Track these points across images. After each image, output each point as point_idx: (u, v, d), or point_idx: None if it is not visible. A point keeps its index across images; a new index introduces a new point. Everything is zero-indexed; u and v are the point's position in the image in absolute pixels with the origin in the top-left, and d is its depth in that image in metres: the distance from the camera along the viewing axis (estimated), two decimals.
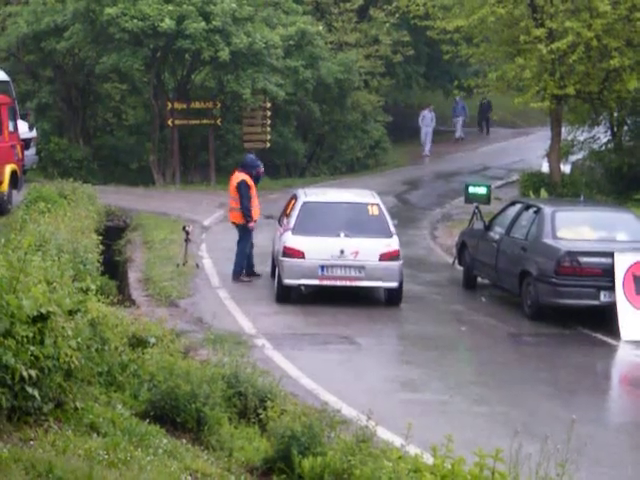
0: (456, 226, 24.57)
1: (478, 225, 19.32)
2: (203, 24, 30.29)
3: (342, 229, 17.03)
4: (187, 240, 19.46)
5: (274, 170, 36.02)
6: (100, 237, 20.30)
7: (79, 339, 7.92)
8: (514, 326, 16.44)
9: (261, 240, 20.57)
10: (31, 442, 7.09)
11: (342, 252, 16.81)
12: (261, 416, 9.72)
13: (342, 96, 37.19)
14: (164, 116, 33.16)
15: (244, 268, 18.63)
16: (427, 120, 42.22)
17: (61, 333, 7.60)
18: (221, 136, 35.42)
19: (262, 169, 19.46)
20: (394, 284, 17.05)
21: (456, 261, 20.20)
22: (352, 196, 18.61)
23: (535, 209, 17.59)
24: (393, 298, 17.29)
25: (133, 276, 19.43)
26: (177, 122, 32.91)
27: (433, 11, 26.94)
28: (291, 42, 34.39)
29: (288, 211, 18.22)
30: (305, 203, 17.64)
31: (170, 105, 32.82)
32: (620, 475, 9.89)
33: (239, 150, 33.40)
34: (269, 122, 34.37)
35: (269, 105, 34.01)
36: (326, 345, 14.69)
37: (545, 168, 28.66)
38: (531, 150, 36.37)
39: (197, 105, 33.32)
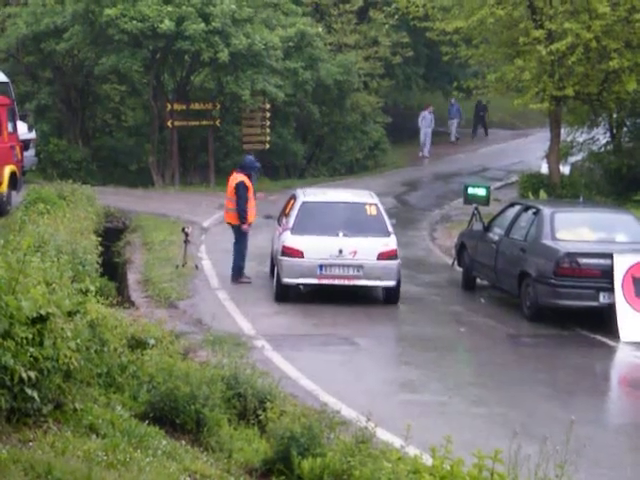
0: (455, 227, 24.59)
1: (477, 226, 19.32)
2: (202, 25, 30.30)
3: (341, 229, 17.18)
4: (186, 241, 19.47)
5: (273, 171, 36.04)
6: (99, 238, 20.31)
7: (78, 340, 7.92)
8: (513, 327, 16.44)
9: (260, 241, 20.59)
10: (30, 443, 7.09)
11: (340, 251, 16.97)
12: (260, 417, 9.72)
13: (341, 97, 37.20)
14: (163, 117, 33.17)
15: (243, 269, 18.66)
16: (427, 121, 42.19)
17: (60, 334, 7.60)
18: (220, 137, 35.43)
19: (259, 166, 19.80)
20: (392, 283, 17.22)
21: (455, 262, 20.21)
22: (350, 196, 18.79)
23: (534, 210, 17.60)
24: (391, 297, 17.43)
25: (132, 277, 19.44)
26: (176, 123, 32.91)
27: (432, 12, 26.94)
28: (290, 43, 34.41)
29: (287, 211, 18.35)
30: (304, 203, 17.78)
31: (169, 106, 32.83)
32: (619, 476, 9.89)
33: (238, 151, 33.41)
34: (268, 123, 34.40)
35: (268, 106, 34.03)
36: (325, 346, 14.70)
37: (544, 169, 28.66)
38: (530, 151, 36.37)
39: (196, 106, 33.33)
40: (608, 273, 15.79)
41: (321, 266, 17.00)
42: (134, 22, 30.09)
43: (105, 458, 7.18)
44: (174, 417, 9.01)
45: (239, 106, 33.93)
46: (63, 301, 8.08)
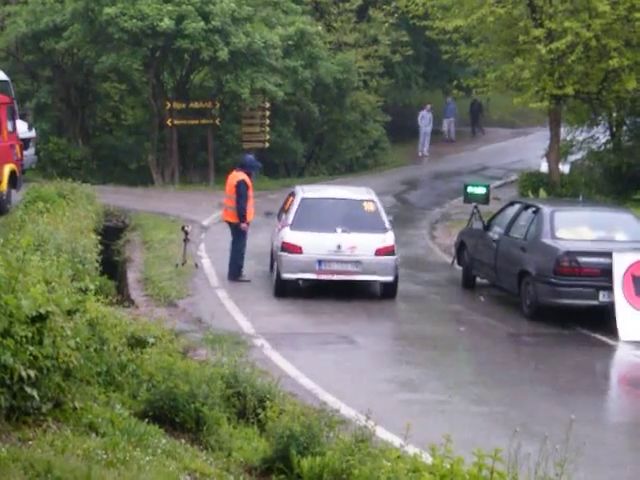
0: (455, 226, 24.58)
1: (477, 225, 19.33)
2: (202, 24, 30.30)
3: (339, 225, 17.45)
4: (186, 240, 19.47)
5: (273, 170, 36.04)
6: (99, 237, 20.33)
7: (78, 339, 7.91)
8: (513, 326, 16.44)
9: (260, 240, 20.60)
10: (30, 442, 7.09)
11: (339, 247, 17.22)
12: (260, 416, 9.72)
13: (341, 96, 37.19)
14: (163, 116, 33.16)
15: (242, 267, 18.67)
16: (426, 120, 42.27)
17: (60, 333, 7.60)
18: (220, 136, 35.41)
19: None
20: (389, 278, 17.46)
21: (455, 261, 20.21)
22: (349, 193, 19.11)
23: (534, 209, 17.59)
24: (388, 292, 17.69)
25: (132, 276, 19.44)
26: (176, 122, 32.90)
27: (432, 11, 26.95)
28: (290, 42, 34.39)
29: (287, 207, 18.55)
30: (303, 199, 18.03)
31: (169, 105, 32.82)
32: (619, 475, 9.89)
33: (238, 150, 33.39)
34: (268, 122, 34.39)
35: (268, 105, 34.02)
36: (325, 345, 14.69)
37: (544, 168, 28.67)
38: (530, 150, 36.37)
39: (196, 105, 33.32)
40: (608, 272, 15.78)
41: (320, 261, 17.23)
42: (134, 21, 30.09)
43: (105, 457, 7.17)
44: (174, 416, 9.01)
45: (239, 105, 33.92)
46: (63, 300, 8.08)
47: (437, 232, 26.00)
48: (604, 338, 15.56)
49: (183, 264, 19.15)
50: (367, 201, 18.08)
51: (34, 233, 16.27)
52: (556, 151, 27.02)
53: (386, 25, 38.82)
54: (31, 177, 28.62)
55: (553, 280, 15.93)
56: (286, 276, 17.32)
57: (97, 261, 17.41)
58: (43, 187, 23.17)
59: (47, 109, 34.68)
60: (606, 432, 11.43)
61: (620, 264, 15.80)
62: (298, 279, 17.57)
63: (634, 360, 15.00)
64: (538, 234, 16.81)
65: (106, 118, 38.13)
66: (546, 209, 17.26)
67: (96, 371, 8.86)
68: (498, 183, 33.25)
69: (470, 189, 22.13)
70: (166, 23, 29.98)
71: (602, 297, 15.86)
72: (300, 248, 17.27)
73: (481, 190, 22.01)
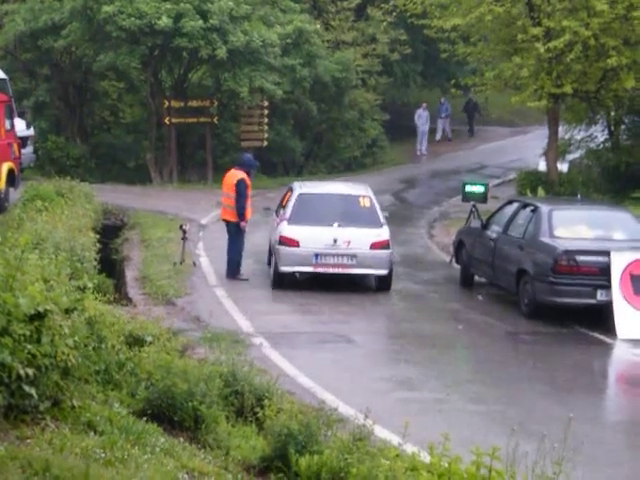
0: (453, 224, 24.59)
1: (475, 223, 19.33)
2: (200, 22, 30.29)
3: (335, 219, 17.96)
4: (184, 238, 19.47)
5: (271, 168, 36.02)
6: (97, 235, 20.31)
7: (76, 337, 7.91)
8: (511, 324, 16.45)
9: (258, 238, 20.61)
10: (28, 440, 7.08)
11: (335, 241, 17.71)
12: (258, 415, 9.71)
13: (339, 94, 37.18)
14: (161, 114, 33.13)
15: (240, 265, 18.68)
16: (423, 119, 42.33)
17: (58, 331, 7.59)
18: (218, 134, 35.40)
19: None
20: (384, 272, 17.95)
21: (453, 259, 20.23)
22: (345, 188, 19.77)
23: (532, 208, 17.60)
24: (383, 285, 18.14)
25: (130, 274, 19.44)
26: (174, 120, 32.87)
27: (430, 10, 26.97)
28: (288, 40, 34.38)
29: (284, 202, 18.99)
30: (300, 195, 18.54)
31: (167, 103, 32.79)
32: (617, 473, 9.90)
33: (236, 148, 33.38)
34: (266, 120, 34.38)
35: (266, 103, 34.01)
36: (323, 343, 14.70)
37: (542, 167, 28.69)
38: (528, 149, 36.40)
39: (194, 103, 33.30)
40: (606, 271, 15.79)
41: (316, 255, 17.72)
42: (132, 19, 30.08)
43: (103, 455, 7.17)
44: (172, 414, 9.00)
45: (237, 103, 33.89)
46: (61, 298, 8.07)
47: (435, 231, 26.01)
48: (602, 337, 15.57)
49: (181, 263, 19.15)
50: (363, 197, 18.54)
51: (32, 231, 16.26)
52: (554, 150, 27.04)
53: (384, 24, 38.81)
54: (29, 175, 28.61)
55: (551, 279, 15.94)
56: (284, 269, 17.77)
57: (95, 259, 17.41)
58: (41, 185, 23.15)
59: (45, 107, 34.64)
60: (604, 431, 11.43)
61: (618, 263, 15.81)
62: (295, 272, 17.98)
63: (632, 359, 15.01)
64: (536, 233, 16.81)
65: (104, 116, 38.11)
66: (544, 208, 17.27)
67: (94, 369, 8.85)
68: (496, 182, 33.26)
69: (468, 188, 22.15)
70: (164, 21, 29.97)
71: (600, 296, 15.87)
72: (297, 242, 17.74)
73: (479, 189, 22.02)
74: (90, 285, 9.49)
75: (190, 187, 32.22)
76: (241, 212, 18.53)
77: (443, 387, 12.71)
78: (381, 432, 9.84)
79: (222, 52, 30.42)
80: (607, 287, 15.75)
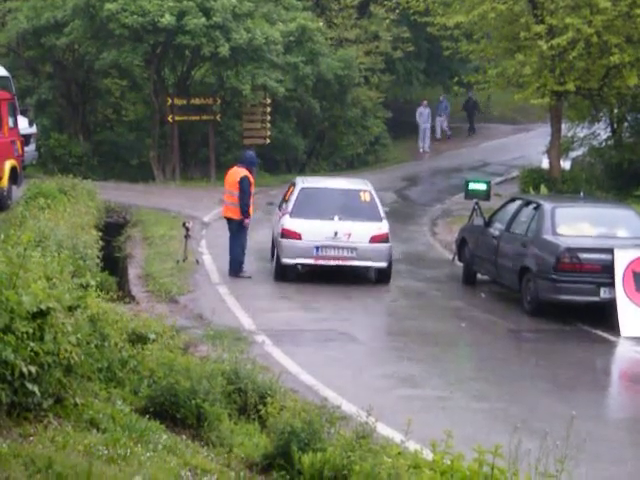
0: (456, 222, 24.58)
1: (478, 221, 19.32)
2: (203, 20, 30.28)
3: (336, 213, 18.40)
4: (187, 236, 19.47)
5: (274, 166, 36.03)
6: (100, 233, 20.30)
7: (79, 335, 7.91)
8: (514, 322, 16.44)
9: (260, 236, 20.64)
10: (31, 438, 7.09)
11: (336, 234, 18.13)
12: (261, 412, 9.72)
13: (342, 92, 37.17)
14: (164, 112, 33.14)
15: (243, 263, 18.71)
16: (424, 116, 42.30)
17: (61, 329, 7.60)
18: (221, 132, 35.39)
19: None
20: (383, 264, 18.36)
21: (456, 257, 20.21)
22: (346, 183, 20.20)
23: (535, 205, 17.59)
24: (382, 277, 18.59)
25: (133, 272, 19.44)
26: (177, 118, 32.88)
27: (433, 7, 26.96)
28: (291, 38, 34.37)
29: (287, 197, 19.42)
30: (303, 189, 18.98)
31: (170, 101, 32.80)
32: (620, 471, 9.90)
33: (239, 146, 33.38)
34: (269, 118, 34.39)
35: (269, 101, 34.01)
36: (326, 341, 14.69)
37: (545, 164, 28.66)
38: (531, 146, 36.34)
39: (197, 101, 33.32)
40: (609, 268, 15.78)
41: (317, 247, 18.14)
42: (135, 16, 30.08)
43: (106, 452, 7.18)
44: (174, 412, 9.01)
45: (240, 101, 33.89)
46: (64, 296, 8.08)
47: (438, 228, 26.00)
48: (605, 334, 15.56)
49: (184, 260, 19.15)
50: (363, 191, 18.96)
51: (35, 229, 16.26)
52: (557, 147, 27.01)
53: (387, 21, 38.81)
54: (32, 173, 28.62)
55: (554, 276, 15.93)
56: (286, 261, 18.16)
57: (98, 257, 17.41)
58: (44, 183, 23.16)
59: (48, 105, 34.65)
60: (607, 428, 11.42)
61: (621, 260, 15.80)
62: (297, 264, 18.30)
63: (635, 356, 15.00)
64: (539, 230, 16.80)
65: (107, 114, 38.13)
66: (547, 205, 17.25)
67: (97, 367, 8.86)
68: (499, 179, 33.24)
69: (471, 185, 22.11)
70: (167, 19, 29.97)
71: (603, 293, 15.86)
72: (299, 235, 18.17)
73: (482, 186, 21.99)
74: (93, 283, 9.50)
75: (193, 185, 32.21)
76: (245, 209, 18.57)
77: (446, 385, 12.70)
78: (384, 430, 9.83)
79: (225, 50, 30.42)
80: (610, 285, 15.74)
